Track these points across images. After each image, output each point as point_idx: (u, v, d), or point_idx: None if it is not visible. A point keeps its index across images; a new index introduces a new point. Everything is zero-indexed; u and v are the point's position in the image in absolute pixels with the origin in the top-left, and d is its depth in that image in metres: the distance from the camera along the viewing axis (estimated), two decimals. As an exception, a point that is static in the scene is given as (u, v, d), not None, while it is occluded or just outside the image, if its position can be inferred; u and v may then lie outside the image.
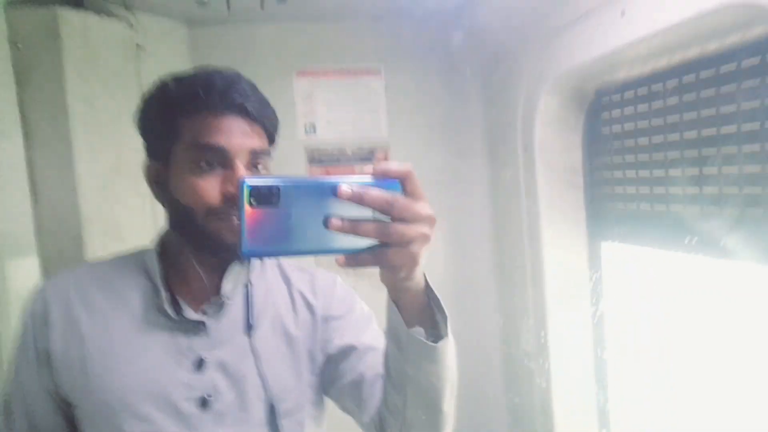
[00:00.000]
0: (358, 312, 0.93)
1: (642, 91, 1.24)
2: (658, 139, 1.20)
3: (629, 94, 1.29)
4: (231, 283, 0.85)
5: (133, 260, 0.87)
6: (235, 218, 0.76)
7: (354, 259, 0.54)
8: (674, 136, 1.15)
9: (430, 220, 0.56)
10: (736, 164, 1.00)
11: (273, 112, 0.84)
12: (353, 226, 0.52)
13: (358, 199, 0.52)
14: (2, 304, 1.21)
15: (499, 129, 1.73)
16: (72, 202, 1.36)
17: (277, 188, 0.51)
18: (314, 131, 1.80)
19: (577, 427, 1.51)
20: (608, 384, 1.50)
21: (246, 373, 0.82)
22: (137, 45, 1.59)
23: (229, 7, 1.62)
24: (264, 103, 0.82)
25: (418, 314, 0.66)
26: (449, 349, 0.69)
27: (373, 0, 1.65)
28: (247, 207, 0.51)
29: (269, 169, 0.83)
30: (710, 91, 1.05)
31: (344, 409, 0.89)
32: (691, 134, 1.10)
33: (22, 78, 1.35)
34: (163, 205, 0.84)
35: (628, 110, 1.30)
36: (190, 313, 0.82)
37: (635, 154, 1.28)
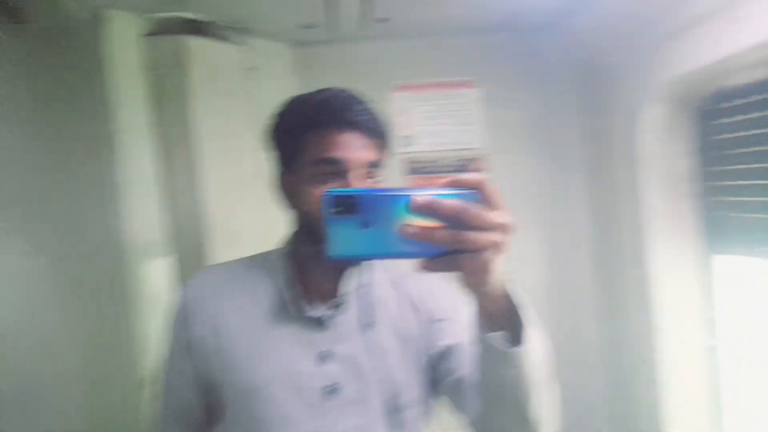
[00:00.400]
0: (464, 315, 0.94)
1: (761, 96, 1.18)
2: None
3: (747, 100, 1.23)
4: (348, 285, 0.92)
5: (262, 261, 0.97)
6: None
7: (429, 263, 0.57)
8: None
9: (503, 228, 0.57)
10: None
11: (386, 126, 0.91)
12: (425, 234, 0.55)
13: (428, 209, 0.54)
14: (139, 302, 1.35)
15: (598, 138, 1.70)
16: (197, 211, 1.49)
17: (355, 198, 0.55)
18: (412, 143, 1.85)
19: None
20: (723, 416, 1.42)
21: (366, 367, 0.89)
22: (249, 67, 1.73)
23: (331, 29, 1.72)
24: (377, 119, 0.89)
25: (499, 319, 0.67)
26: (528, 355, 0.68)
27: (469, 14, 1.69)
28: (329, 216, 0.55)
29: (383, 180, 0.89)
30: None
31: (450, 408, 0.92)
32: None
33: (155, 100, 1.51)
34: (290, 212, 0.93)
35: (744, 117, 1.24)
36: (314, 311, 0.90)
37: (757, 161, 1.22)
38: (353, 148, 0.85)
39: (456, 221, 0.55)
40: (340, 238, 0.56)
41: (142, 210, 1.44)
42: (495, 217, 0.56)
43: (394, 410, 0.89)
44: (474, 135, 1.85)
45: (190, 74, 1.54)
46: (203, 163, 1.51)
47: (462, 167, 1.85)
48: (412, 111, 1.85)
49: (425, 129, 1.85)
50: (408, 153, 1.85)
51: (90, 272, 1.25)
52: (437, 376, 0.93)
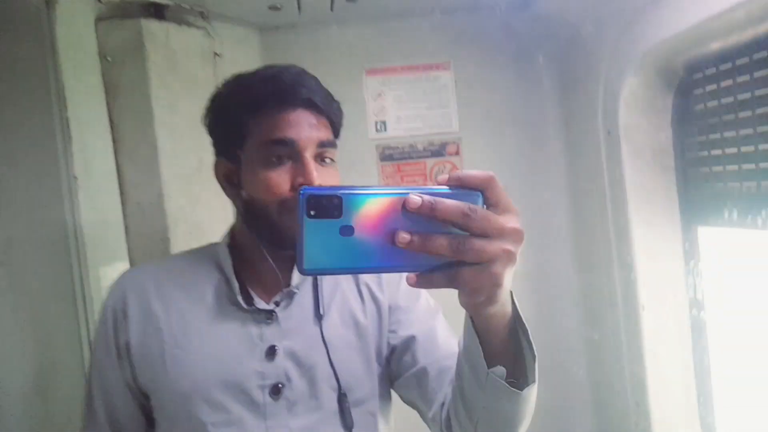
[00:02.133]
0: (424, 304, 0.91)
1: (742, 60, 1.14)
2: (763, 110, 1.10)
3: (726, 66, 1.20)
4: (299, 274, 0.85)
5: (205, 254, 0.90)
6: None
7: (425, 278, 0.48)
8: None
9: (515, 236, 0.48)
10: None
11: (338, 105, 0.86)
12: (423, 242, 0.45)
13: (428, 211, 0.45)
14: (97, 305, 1.27)
15: (577, 116, 1.66)
16: (158, 204, 1.41)
17: (339, 198, 0.46)
18: (385, 129, 1.79)
19: None
20: (711, 391, 1.38)
21: (317, 361, 0.82)
22: (215, 53, 1.65)
23: (300, 11, 1.65)
24: (329, 96, 0.84)
25: (501, 345, 0.59)
26: (532, 393, 0.62)
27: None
28: (306, 219, 0.46)
29: (336, 161, 0.84)
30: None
31: (408, 402, 0.88)
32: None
33: (110, 88, 1.43)
34: (234, 202, 0.87)
35: (726, 83, 1.20)
36: (261, 304, 0.84)
37: (736, 129, 1.18)
38: (305, 126, 0.79)
39: (462, 225, 0.46)
40: (318, 247, 0.46)
41: (99, 204, 1.36)
42: (506, 221, 0.47)
43: (347, 407, 0.82)
44: (449, 118, 1.80)
45: (149, 61, 1.46)
46: (164, 154, 1.43)
47: (437, 152, 1.79)
48: (385, 95, 1.79)
49: (399, 113, 1.79)
50: (382, 139, 1.79)
51: (43, 271, 1.17)
52: (397, 369, 0.87)
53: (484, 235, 0.46)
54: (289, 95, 0.79)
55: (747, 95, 1.14)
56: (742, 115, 1.16)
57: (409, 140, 1.79)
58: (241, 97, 0.82)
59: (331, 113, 0.84)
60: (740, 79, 1.16)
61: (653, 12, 1.23)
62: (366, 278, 0.91)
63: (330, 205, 0.45)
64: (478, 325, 0.58)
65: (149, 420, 0.86)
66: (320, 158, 0.82)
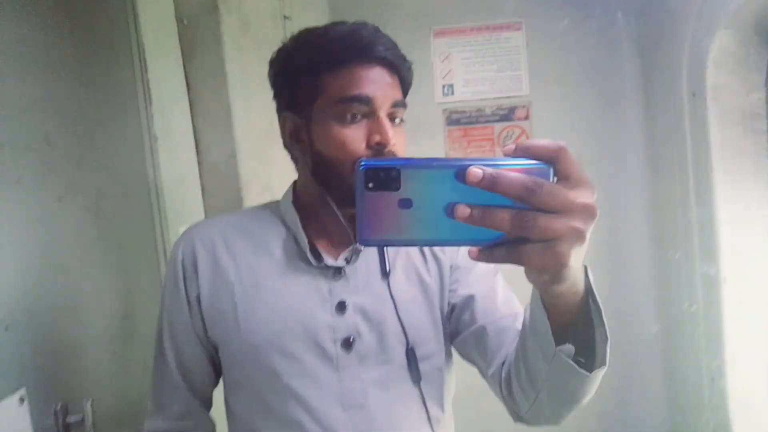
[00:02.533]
0: (483, 265, 0.89)
1: None
2: None
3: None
4: None
5: (270, 210, 0.91)
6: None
7: (487, 253, 0.46)
8: None
9: (587, 212, 0.44)
10: None
11: (410, 65, 0.84)
12: (483, 216, 0.43)
13: (489, 184, 0.42)
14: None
15: (658, 77, 1.56)
16: (232, 164, 1.45)
17: (398, 171, 0.44)
18: (452, 92, 1.76)
19: None
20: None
21: (385, 316, 0.83)
22: (284, 16, 1.66)
23: (368, -30, 1.63)
24: (403, 56, 0.82)
25: (571, 322, 0.56)
26: (601, 374, 0.60)
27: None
28: (365, 192, 0.45)
29: (404, 121, 0.83)
30: None
31: (467, 359, 0.87)
32: None
33: (186, 51, 1.47)
34: (300, 159, 0.86)
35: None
36: (330, 261, 0.84)
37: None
38: (382, 84, 0.78)
39: (526, 200, 0.43)
40: (377, 219, 0.45)
41: (178, 163, 1.41)
42: (576, 196, 0.44)
43: (414, 361, 0.83)
44: (519, 81, 1.74)
45: (222, 23, 1.48)
46: (237, 115, 1.47)
47: (505, 116, 1.75)
48: (453, 57, 1.75)
49: (467, 76, 1.75)
50: (449, 102, 1.76)
51: (128, 223, 1.24)
52: (456, 327, 0.87)
53: (551, 211, 0.43)
54: (367, 51, 0.77)
55: None
56: None
57: (477, 104, 1.75)
58: (316, 51, 0.80)
59: (404, 73, 0.82)
60: None
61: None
62: None
63: (388, 178, 0.45)
64: (546, 300, 0.56)
65: (217, 368, 0.89)
66: (391, 118, 0.80)
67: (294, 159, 0.90)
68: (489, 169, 0.43)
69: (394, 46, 0.81)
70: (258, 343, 0.82)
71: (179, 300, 0.86)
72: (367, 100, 0.77)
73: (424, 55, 1.75)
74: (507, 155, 0.46)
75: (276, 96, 0.87)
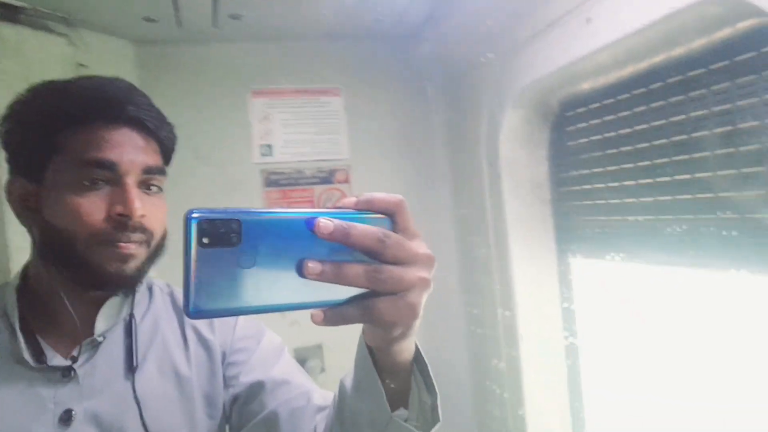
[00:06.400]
0: (266, 343, 0.83)
1: (608, 101, 1.23)
2: (627, 148, 1.18)
3: (595, 105, 1.28)
4: (107, 320, 0.74)
5: None
6: (123, 245, 0.67)
7: (336, 314, 0.43)
8: (644, 145, 1.13)
9: (429, 261, 0.45)
10: (709, 169, 0.98)
11: (171, 128, 0.76)
12: (336, 272, 0.41)
13: (342, 237, 0.40)
14: None
15: (463, 146, 1.70)
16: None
17: (238, 222, 0.39)
18: (271, 153, 1.72)
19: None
20: (584, 411, 1.44)
21: (126, 424, 0.71)
22: (79, 64, 1.50)
23: (179, 25, 1.55)
24: (161, 117, 0.74)
25: (403, 384, 0.54)
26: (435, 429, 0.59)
27: (330, 19, 1.61)
28: (197, 249, 0.38)
29: (162, 191, 0.74)
30: (679, 97, 1.03)
31: None
32: (661, 141, 1.08)
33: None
34: (30, 231, 0.72)
35: (594, 121, 1.28)
36: (55, 360, 0.70)
37: (604, 165, 1.25)
38: (130, 148, 0.69)
39: (376, 252, 0.42)
40: (212, 283, 0.38)
41: None
42: (418, 246, 0.44)
43: None
44: (339, 145, 1.77)
45: (4, 68, 1.28)
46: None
47: (325, 179, 1.75)
48: (272, 118, 1.72)
49: (286, 137, 1.73)
50: (267, 163, 1.71)
51: None
52: (241, 418, 0.78)
53: (399, 263, 0.43)
54: (114, 110, 0.68)
55: (613, 133, 1.22)
56: (609, 152, 1.24)
57: (297, 165, 1.73)
58: (53, 106, 0.69)
59: (161, 136, 0.73)
60: (607, 118, 1.24)
61: (531, 49, 1.29)
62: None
63: (228, 231, 0.38)
64: (383, 363, 0.52)
65: None
66: (145, 185, 0.71)
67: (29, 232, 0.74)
68: (339, 221, 0.41)
69: (149, 106, 0.72)
70: None
71: None
72: (110, 165, 0.67)
73: (241, 114, 1.69)
74: (347, 207, 0.44)
75: (6, 155, 0.72)
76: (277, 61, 1.73)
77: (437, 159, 1.80)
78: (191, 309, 0.38)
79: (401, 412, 0.55)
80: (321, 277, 0.40)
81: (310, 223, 0.40)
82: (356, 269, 0.41)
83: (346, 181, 1.76)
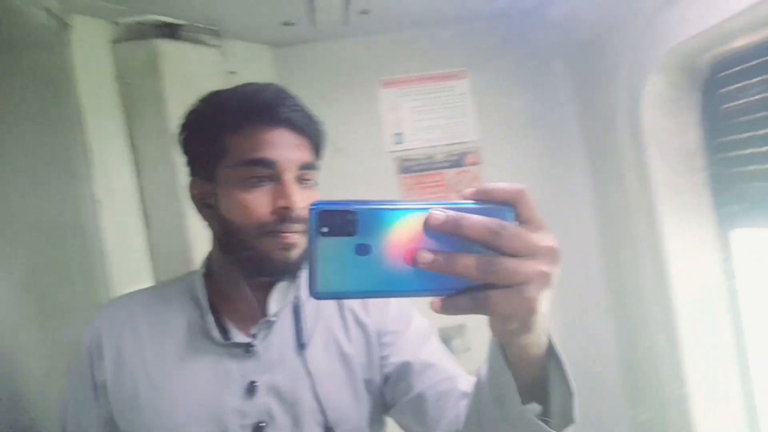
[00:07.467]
0: (415, 327, 0.86)
1: (764, 58, 1.12)
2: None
3: (752, 63, 1.17)
4: (277, 302, 0.82)
5: (181, 285, 0.86)
6: (286, 235, 0.75)
7: (450, 303, 0.43)
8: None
9: (551, 255, 0.43)
10: None
11: (320, 125, 0.83)
12: (447, 262, 0.41)
13: (452, 228, 0.41)
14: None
15: (598, 118, 1.63)
16: (180, 224, 1.39)
17: (353, 213, 0.41)
18: (402, 140, 1.77)
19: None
20: (756, 396, 1.34)
21: (301, 396, 0.78)
22: (229, 71, 1.65)
23: (314, 25, 1.65)
24: (310, 116, 0.81)
25: (535, 378, 0.53)
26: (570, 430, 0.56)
27: (452, 3, 1.62)
28: (318, 237, 0.41)
29: (317, 183, 0.82)
30: None
31: (405, 428, 0.83)
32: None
33: (130, 109, 1.42)
34: (210, 226, 0.83)
35: (754, 80, 1.18)
36: (238, 336, 0.79)
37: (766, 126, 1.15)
38: (286, 147, 0.76)
39: (490, 243, 0.41)
40: (332, 268, 0.41)
41: (123, 227, 1.34)
42: (540, 239, 0.43)
43: None
44: (467, 128, 1.78)
45: (164, 80, 1.45)
46: (183, 174, 1.42)
47: (456, 162, 1.77)
48: (401, 107, 1.77)
49: (416, 125, 1.78)
50: (399, 151, 1.77)
51: (68, 292, 1.15)
52: (392, 397, 0.82)
53: (516, 255, 0.42)
54: (268, 114, 0.76)
55: (779, 92, 1.11)
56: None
57: (428, 151, 1.77)
58: (218, 114, 0.78)
59: (312, 134, 0.81)
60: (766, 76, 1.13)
61: (674, 11, 1.21)
62: (350, 302, 0.86)
63: (344, 221, 0.41)
64: (510, 355, 0.51)
65: None
66: (302, 180, 0.79)
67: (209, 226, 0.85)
68: (451, 212, 0.41)
69: (300, 108, 0.79)
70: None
71: (86, 387, 0.80)
72: (269, 164, 0.75)
73: (372, 105, 1.76)
74: (466, 198, 0.44)
75: (185, 160, 0.84)
76: (404, 51, 1.78)
77: (570, 134, 1.75)
78: (312, 291, 0.42)
79: (532, 406, 0.53)
80: (432, 267, 0.41)
81: (423, 215, 0.42)
82: (468, 260, 0.41)
83: (477, 163, 1.77)
